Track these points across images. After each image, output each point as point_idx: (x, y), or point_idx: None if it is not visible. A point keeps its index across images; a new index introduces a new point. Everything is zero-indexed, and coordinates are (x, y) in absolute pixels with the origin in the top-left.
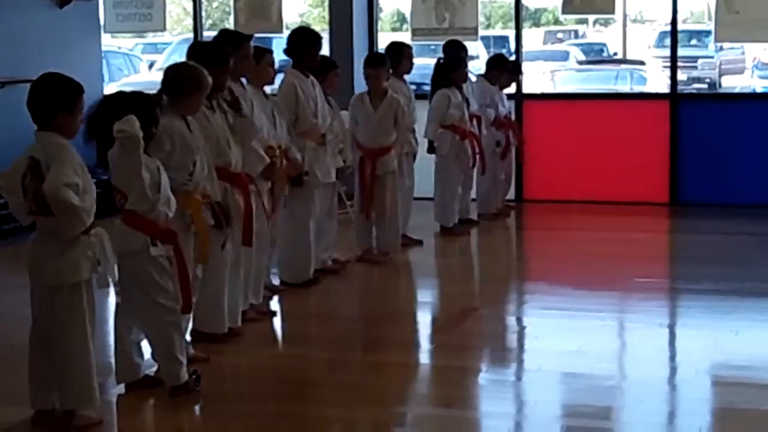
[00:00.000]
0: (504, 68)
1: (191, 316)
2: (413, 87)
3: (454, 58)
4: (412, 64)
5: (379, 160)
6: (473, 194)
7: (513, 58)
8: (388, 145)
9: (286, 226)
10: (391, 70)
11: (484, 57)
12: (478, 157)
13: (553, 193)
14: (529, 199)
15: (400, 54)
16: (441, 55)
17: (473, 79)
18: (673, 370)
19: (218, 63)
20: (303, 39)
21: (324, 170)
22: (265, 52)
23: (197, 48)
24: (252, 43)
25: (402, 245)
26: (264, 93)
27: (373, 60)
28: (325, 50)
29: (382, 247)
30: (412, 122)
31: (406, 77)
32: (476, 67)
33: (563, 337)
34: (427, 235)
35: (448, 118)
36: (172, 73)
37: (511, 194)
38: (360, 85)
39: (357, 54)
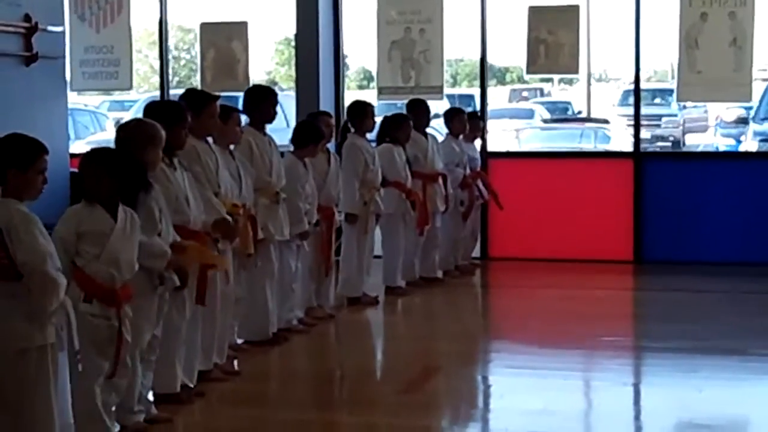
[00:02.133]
0: (457, 115)
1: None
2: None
3: (397, 116)
4: (374, 122)
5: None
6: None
7: (479, 114)
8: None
9: (247, 287)
10: (353, 129)
11: None
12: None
13: (518, 250)
14: (495, 257)
15: (362, 112)
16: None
17: (439, 138)
18: (638, 429)
19: (175, 120)
20: (256, 95)
21: (278, 227)
22: (232, 111)
23: (153, 106)
24: (219, 103)
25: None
26: (230, 152)
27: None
28: (291, 108)
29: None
30: (377, 179)
31: (369, 135)
32: (441, 126)
33: (529, 396)
34: (378, 293)
35: (392, 174)
36: (123, 132)
37: (476, 252)
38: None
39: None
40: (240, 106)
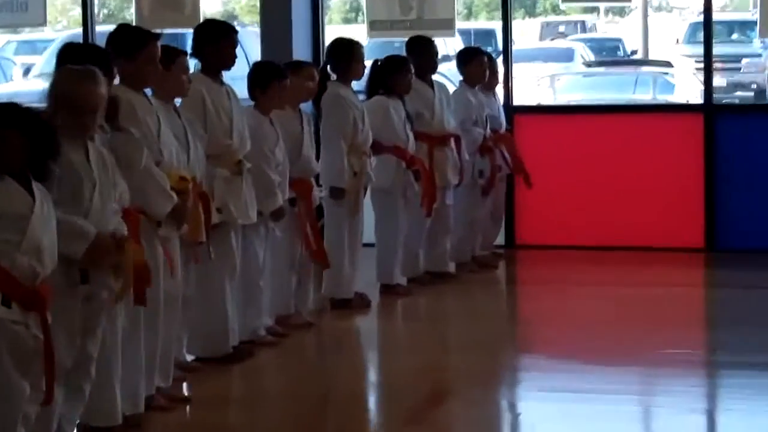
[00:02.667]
0: (474, 58)
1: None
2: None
3: (393, 59)
4: (363, 67)
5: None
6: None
7: (501, 58)
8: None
9: (199, 286)
10: (335, 75)
11: None
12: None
13: (553, 236)
14: (523, 245)
15: (347, 54)
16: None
17: (449, 88)
18: None
19: (99, 68)
20: (208, 33)
21: (241, 207)
22: (177, 55)
23: (71, 50)
24: (160, 43)
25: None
26: (175, 108)
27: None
28: (254, 50)
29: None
30: (367, 142)
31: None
32: (453, 71)
33: (568, 428)
34: (371, 293)
35: (387, 136)
36: (56, 84)
37: (499, 238)
38: None
39: (298, 54)
40: (188, 47)
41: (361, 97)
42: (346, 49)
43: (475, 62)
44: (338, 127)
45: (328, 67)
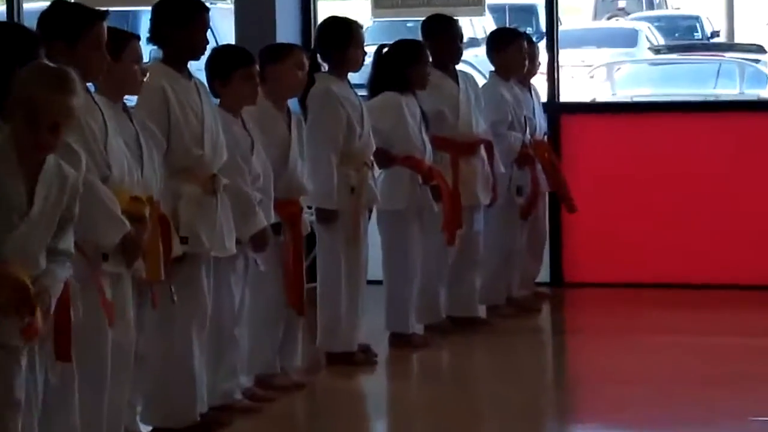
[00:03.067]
0: (512, 43)
1: None
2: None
3: (405, 44)
4: (363, 54)
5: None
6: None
7: (543, 42)
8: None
9: (158, 337)
10: (326, 65)
11: None
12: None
13: (611, 272)
14: (573, 283)
15: (344, 37)
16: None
17: (479, 80)
18: None
19: (25, 54)
20: (172, 12)
21: (214, 236)
22: (128, 40)
23: None
24: (106, 24)
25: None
26: (125, 108)
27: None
28: (227, 31)
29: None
30: (368, 150)
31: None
32: (482, 59)
33: None
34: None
35: (398, 143)
36: (19, 83)
37: (543, 274)
38: None
39: (283, 36)
40: (142, 30)
41: (362, 93)
42: (341, 31)
43: (512, 48)
44: (327, 130)
45: (318, 54)
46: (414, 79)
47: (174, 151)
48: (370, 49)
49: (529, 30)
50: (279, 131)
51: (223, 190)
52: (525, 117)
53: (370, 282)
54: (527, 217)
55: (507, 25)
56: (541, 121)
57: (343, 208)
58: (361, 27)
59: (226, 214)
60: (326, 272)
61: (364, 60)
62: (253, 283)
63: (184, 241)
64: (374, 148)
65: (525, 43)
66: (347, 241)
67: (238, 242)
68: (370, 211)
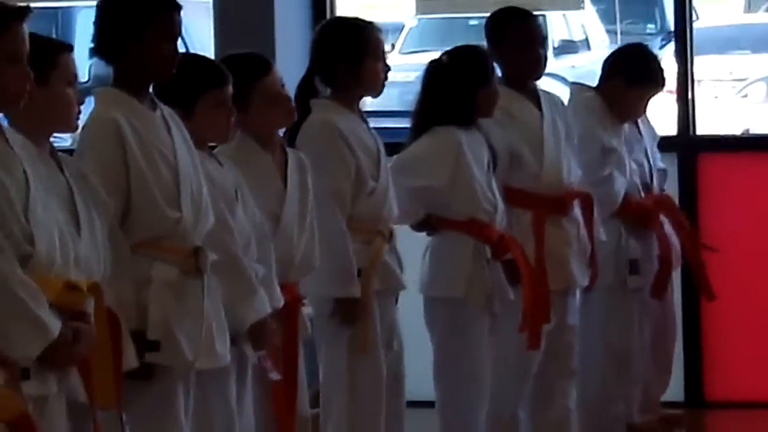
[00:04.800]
0: (643, 77)
1: None
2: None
3: (474, 54)
4: (384, 73)
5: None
6: None
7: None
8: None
9: None
10: (327, 88)
11: (600, 48)
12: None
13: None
14: (717, 402)
15: (355, 47)
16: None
17: (564, 101)
18: None
19: None
20: (124, 12)
21: (198, 338)
22: (58, 53)
23: None
24: (26, 28)
25: None
26: (53, 152)
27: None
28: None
29: None
30: (383, 214)
31: (368, 105)
32: (583, 68)
33: None
34: None
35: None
36: None
37: (674, 390)
38: None
39: (285, 44)
40: (79, 37)
41: (382, 124)
42: (350, 37)
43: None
44: (329, 182)
45: (317, 74)
46: (481, 105)
47: (137, 215)
48: (414, 59)
49: (650, 27)
50: (266, 179)
51: (211, 270)
52: (647, 163)
53: (415, 404)
54: (660, 296)
55: (617, 21)
56: (656, 165)
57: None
58: (379, 31)
59: (216, 306)
60: (327, 395)
61: (381, 81)
62: (254, 399)
63: (154, 346)
64: (395, 212)
65: (658, 64)
66: (353, 349)
67: (232, 342)
68: (395, 297)
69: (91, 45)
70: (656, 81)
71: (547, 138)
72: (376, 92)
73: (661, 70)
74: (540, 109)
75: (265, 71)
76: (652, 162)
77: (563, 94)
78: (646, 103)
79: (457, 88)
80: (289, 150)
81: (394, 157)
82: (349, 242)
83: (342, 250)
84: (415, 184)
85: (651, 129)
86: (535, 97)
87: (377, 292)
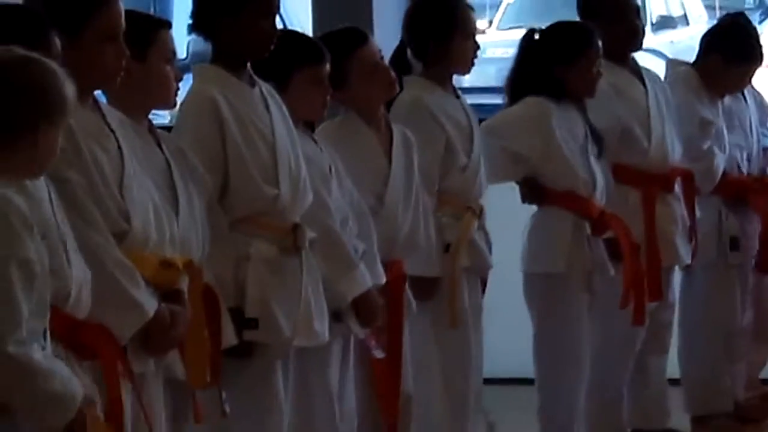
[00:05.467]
0: (741, 55)
1: None
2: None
3: (573, 29)
4: (476, 48)
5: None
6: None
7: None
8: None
9: None
10: (419, 64)
11: (699, 23)
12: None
13: None
14: None
15: (445, 24)
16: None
17: (661, 76)
18: None
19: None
20: None
21: (297, 316)
22: (157, 30)
23: None
24: (121, 5)
25: None
26: (151, 129)
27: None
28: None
29: None
30: (474, 189)
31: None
32: (681, 44)
33: None
34: None
35: (552, 174)
36: None
37: None
38: None
39: (383, 14)
40: (176, 14)
41: (494, 100)
42: (440, 14)
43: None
44: (424, 161)
45: (409, 49)
46: (577, 81)
47: (235, 192)
48: (512, 35)
49: (749, 3)
50: (373, 155)
51: (310, 248)
52: (753, 128)
53: (515, 381)
54: (766, 271)
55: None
56: (762, 141)
57: (441, 274)
58: (471, 8)
59: (314, 283)
60: (415, 374)
61: (473, 57)
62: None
63: (252, 324)
64: (485, 187)
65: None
66: (441, 325)
67: (336, 317)
68: (484, 284)
69: (190, 21)
70: (755, 58)
71: (654, 114)
72: (465, 70)
73: (760, 46)
74: (644, 84)
75: (361, 42)
76: (756, 137)
77: (661, 69)
78: (749, 79)
79: (546, 63)
80: (394, 126)
81: (483, 122)
82: (430, 218)
83: (422, 226)
84: (507, 146)
85: (760, 104)
86: (637, 72)
87: (465, 269)
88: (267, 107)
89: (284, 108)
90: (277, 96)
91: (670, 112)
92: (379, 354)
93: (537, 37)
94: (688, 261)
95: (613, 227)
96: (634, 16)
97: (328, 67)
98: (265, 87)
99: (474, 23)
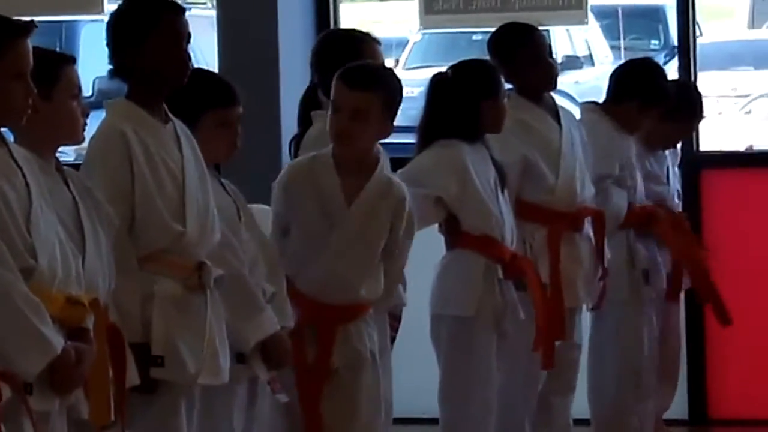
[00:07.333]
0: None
1: None
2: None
3: (480, 69)
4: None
5: (342, 331)
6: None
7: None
8: (362, 302)
9: None
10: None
11: (604, 63)
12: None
13: None
14: (721, 420)
15: (346, 60)
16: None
17: (576, 114)
18: None
19: None
20: (135, 19)
21: (203, 355)
22: (61, 65)
23: None
24: (29, 42)
25: None
26: (59, 167)
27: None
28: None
29: None
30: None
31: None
32: (587, 84)
33: None
34: None
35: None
36: None
37: (677, 407)
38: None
39: (288, 53)
40: (82, 49)
41: (400, 139)
42: (345, 49)
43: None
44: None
45: (317, 85)
46: (494, 117)
47: (141, 227)
48: (418, 75)
49: (653, 43)
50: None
51: (215, 286)
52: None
53: (419, 421)
54: (677, 299)
55: (621, 37)
56: (674, 187)
57: None
58: (378, 42)
59: (218, 322)
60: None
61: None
62: (261, 422)
63: (158, 362)
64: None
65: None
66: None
67: (240, 359)
68: (399, 319)
69: (108, 62)
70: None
71: (565, 151)
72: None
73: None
74: (559, 122)
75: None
76: (671, 176)
77: (570, 109)
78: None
79: (461, 101)
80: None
81: (399, 171)
82: None
83: None
84: (429, 193)
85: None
86: (553, 110)
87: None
88: (179, 145)
89: (197, 147)
90: (190, 134)
91: (586, 153)
92: (283, 398)
93: (450, 74)
94: (591, 303)
95: (525, 271)
96: (549, 57)
97: (239, 109)
98: (179, 125)
99: (381, 56)
